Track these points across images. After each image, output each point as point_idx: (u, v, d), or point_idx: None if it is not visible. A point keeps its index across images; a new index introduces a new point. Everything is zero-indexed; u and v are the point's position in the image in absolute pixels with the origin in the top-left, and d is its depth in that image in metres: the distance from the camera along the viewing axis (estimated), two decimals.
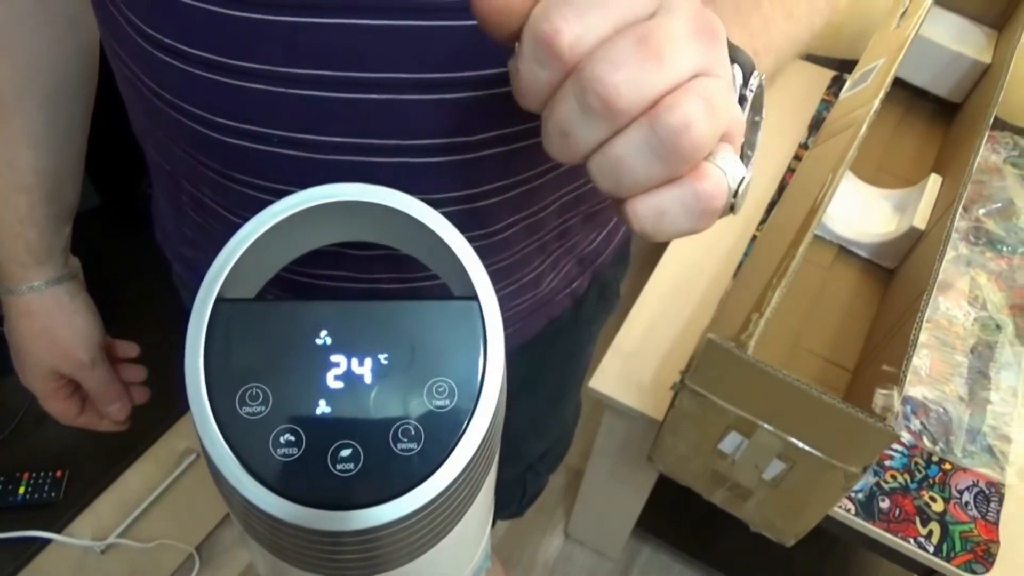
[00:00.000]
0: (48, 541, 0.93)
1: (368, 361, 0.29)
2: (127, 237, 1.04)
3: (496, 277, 0.50)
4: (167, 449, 1.07)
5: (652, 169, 0.25)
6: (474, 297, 0.30)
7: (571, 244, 0.55)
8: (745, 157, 0.31)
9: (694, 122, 0.24)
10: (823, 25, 0.44)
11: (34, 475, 0.95)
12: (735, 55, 0.31)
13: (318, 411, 0.28)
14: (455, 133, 0.39)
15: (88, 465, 0.98)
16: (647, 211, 0.26)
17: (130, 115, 0.49)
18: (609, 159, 0.25)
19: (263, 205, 0.42)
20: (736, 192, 0.27)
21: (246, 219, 0.44)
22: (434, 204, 0.41)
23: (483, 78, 0.37)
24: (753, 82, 0.32)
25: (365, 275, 0.46)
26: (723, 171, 0.26)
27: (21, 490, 0.93)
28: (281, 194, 0.40)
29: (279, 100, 0.37)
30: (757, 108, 0.33)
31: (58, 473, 0.96)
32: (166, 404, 0.74)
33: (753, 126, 0.33)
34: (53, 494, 0.94)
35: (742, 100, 0.31)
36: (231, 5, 0.35)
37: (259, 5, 0.34)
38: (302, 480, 0.28)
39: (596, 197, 0.52)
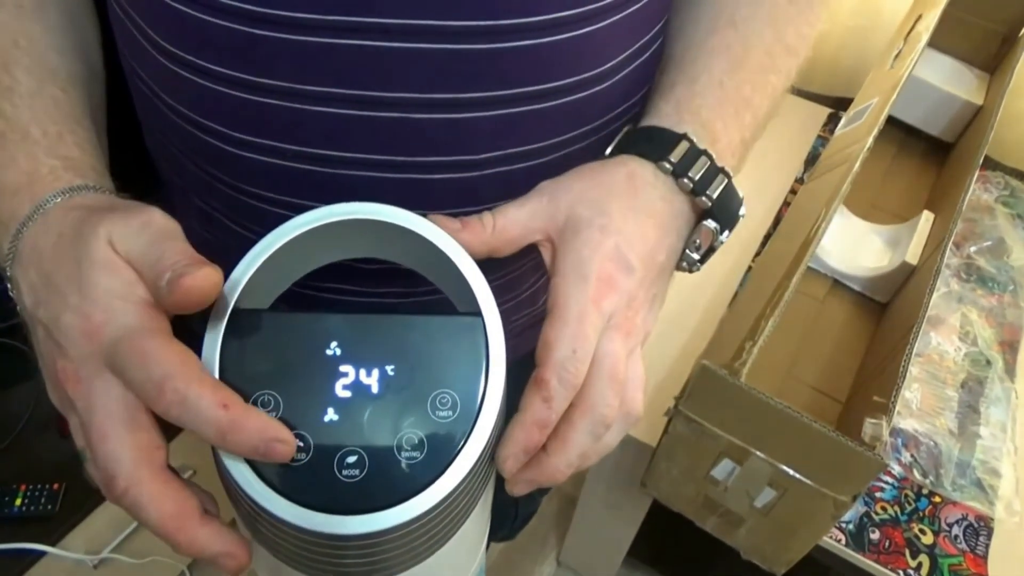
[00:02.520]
0: (43, 553, 0.93)
1: (376, 372, 0.30)
2: None
3: (495, 294, 0.51)
4: (175, 453, 1.07)
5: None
6: (478, 313, 0.32)
7: None
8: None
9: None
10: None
11: (31, 487, 0.95)
12: (720, 212, 0.40)
13: (326, 419, 0.30)
14: (462, 151, 0.41)
15: (86, 479, 0.98)
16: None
17: (144, 130, 0.50)
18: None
19: (275, 219, 0.44)
20: None
21: (256, 232, 0.46)
22: None
23: (493, 99, 0.39)
24: (728, 235, 0.41)
25: (373, 289, 0.47)
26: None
27: (18, 502, 0.93)
28: (293, 208, 0.41)
29: (297, 116, 0.38)
30: (722, 216, 0.40)
31: (55, 486, 0.96)
32: (163, 422, 0.75)
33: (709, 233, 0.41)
34: (50, 507, 0.94)
35: (711, 250, 0.42)
36: (253, 24, 0.36)
37: (281, 24, 0.36)
38: (309, 485, 0.29)
39: None
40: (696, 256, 0.41)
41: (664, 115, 0.41)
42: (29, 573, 0.92)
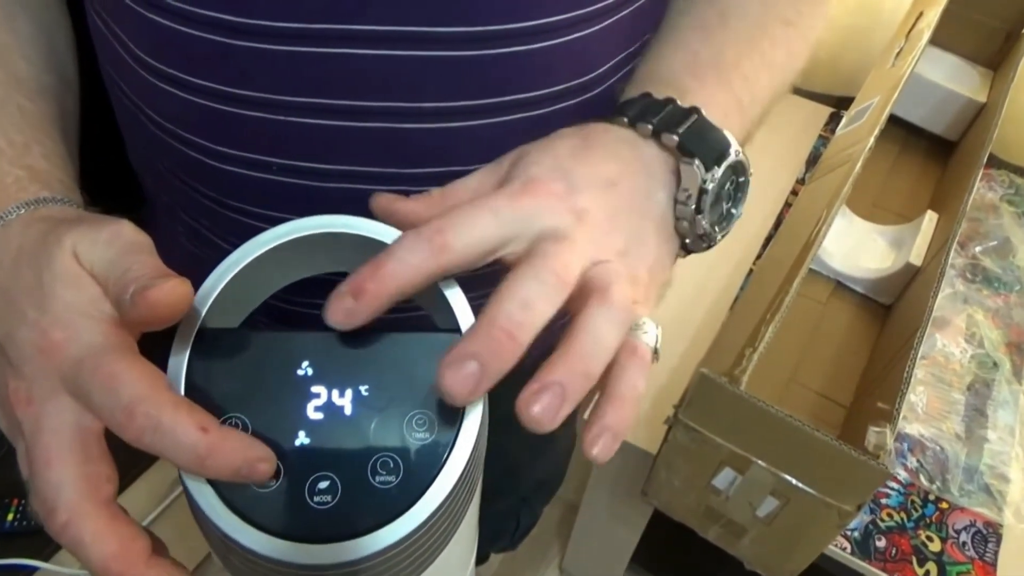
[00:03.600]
0: (35, 569, 0.92)
1: (349, 392, 0.29)
2: None
3: (475, 311, 0.50)
4: (157, 478, 1.06)
5: None
6: (456, 330, 0.30)
7: None
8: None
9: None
10: (804, 65, 0.45)
11: (23, 502, 0.94)
12: (695, 146, 0.34)
13: (297, 442, 0.28)
14: (452, 162, 0.39)
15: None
16: None
17: (128, 147, 0.49)
18: None
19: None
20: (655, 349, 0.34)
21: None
22: None
23: (483, 107, 0.38)
24: (716, 172, 0.34)
25: None
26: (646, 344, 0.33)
27: (10, 517, 0.92)
28: (279, 222, 0.40)
29: (279, 128, 0.37)
30: (731, 197, 0.35)
31: None
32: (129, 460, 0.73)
33: (723, 218, 0.36)
34: None
35: (702, 194, 0.34)
36: (232, 35, 0.35)
37: (259, 35, 0.35)
38: (279, 513, 0.28)
39: None
40: (690, 207, 0.35)
41: (624, 93, 0.39)
42: None
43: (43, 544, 0.93)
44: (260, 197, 0.41)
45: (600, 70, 0.41)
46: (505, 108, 0.38)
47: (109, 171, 0.59)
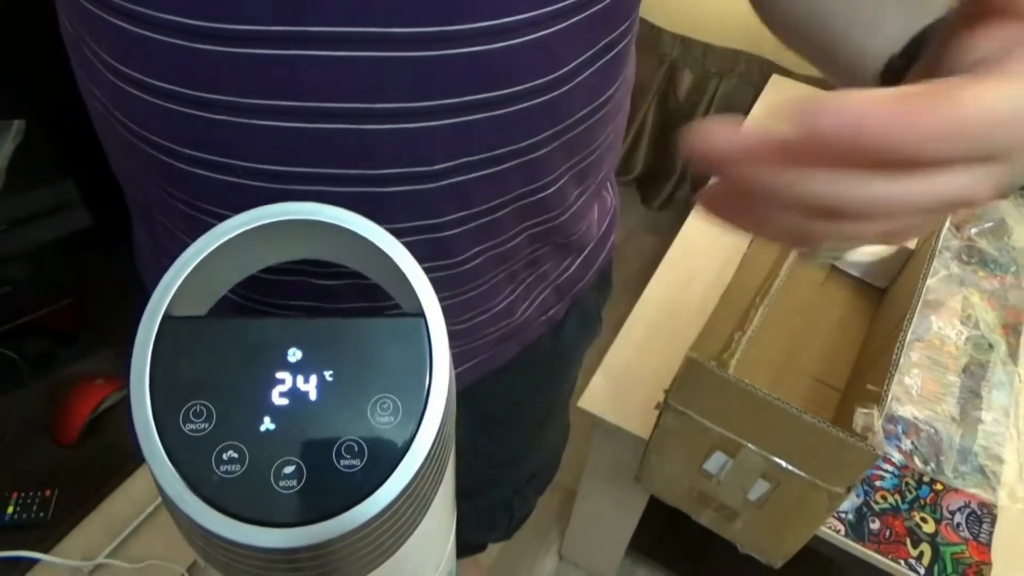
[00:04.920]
0: (36, 561, 0.92)
1: (313, 378, 0.29)
2: (119, 258, 1.05)
3: (466, 306, 0.50)
4: (141, 485, 1.06)
5: None
6: (421, 314, 0.30)
7: (542, 272, 0.55)
8: None
9: None
10: None
11: (23, 494, 0.94)
12: None
13: (262, 428, 0.28)
14: (416, 163, 0.39)
15: (78, 485, 0.98)
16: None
17: (106, 150, 0.49)
18: None
19: None
20: None
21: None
22: (397, 233, 0.41)
23: (445, 107, 0.37)
24: None
25: (330, 304, 0.46)
26: None
27: (10, 509, 0.93)
28: None
29: (241, 131, 0.37)
30: None
31: (47, 492, 0.95)
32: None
33: None
34: (42, 514, 0.94)
35: None
36: (194, 39, 0.35)
37: (220, 38, 0.35)
38: (244, 497, 0.28)
39: (570, 229, 0.51)
40: None
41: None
42: None
43: (43, 536, 0.93)
44: (227, 200, 0.41)
45: (565, 69, 0.40)
46: (467, 108, 0.38)
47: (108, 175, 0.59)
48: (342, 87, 0.36)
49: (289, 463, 0.28)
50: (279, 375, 0.29)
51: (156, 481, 0.28)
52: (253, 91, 0.36)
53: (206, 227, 0.43)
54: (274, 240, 0.32)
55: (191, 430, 0.28)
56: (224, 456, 0.28)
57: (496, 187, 0.42)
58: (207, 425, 0.28)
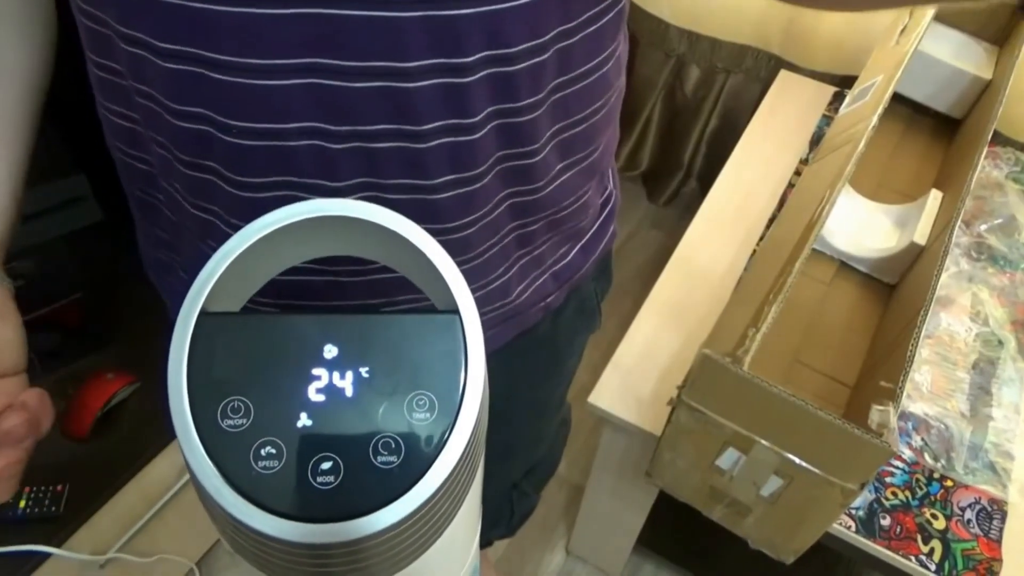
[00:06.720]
0: (48, 555, 0.93)
1: (350, 374, 0.29)
2: (129, 252, 1.05)
3: None
4: (168, 463, 1.07)
5: None
6: (455, 311, 0.30)
7: (538, 255, 0.55)
8: None
9: None
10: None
11: (35, 489, 0.95)
12: None
13: (299, 424, 0.29)
14: (408, 121, 0.40)
15: (89, 479, 0.98)
16: None
17: (113, 124, 0.49)
18: None
19: (228, 198, 0.42)
20: None
21: (210, 212, 0.45)
22: (386, 190, 0.42)
23: (437, 66, 0.38)
24: None
25: (342, 301, 0.46)
26: None
27: (22, 504, 0.93)
28: (244, 187, 0.42)
29: (238, 89, 0.38)
30: None
31: (59, 487, 0.96)
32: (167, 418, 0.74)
33: None
34: (53, 508, 0.94)
35: None
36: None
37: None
38: (282, 493, 0.28)
39: (555, 203, 0.52)
40: None
41: None
42: (35, 575, 0.92)
43: (56, 530, 0.94)
44: (226, 158, 0.42)
45: (545, 37, 0.41)
46: (454, 71, 0.39)
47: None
48: (340, 45, 0.37)
49: (326, 459, 0.28)
50: (315, 371, 0.29)
51: (193, 476, 0.28)
52: (246, 50, 0.37)
53: (204, 185, 0.44)
54: (308, 236, 0.32)
55: (229, 426, 0.28)
56: (262, 452, 0.28)
57: (486, 150, 0.44)
58: (245, 421, 0.28)
